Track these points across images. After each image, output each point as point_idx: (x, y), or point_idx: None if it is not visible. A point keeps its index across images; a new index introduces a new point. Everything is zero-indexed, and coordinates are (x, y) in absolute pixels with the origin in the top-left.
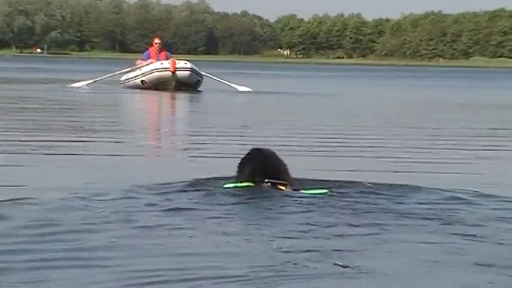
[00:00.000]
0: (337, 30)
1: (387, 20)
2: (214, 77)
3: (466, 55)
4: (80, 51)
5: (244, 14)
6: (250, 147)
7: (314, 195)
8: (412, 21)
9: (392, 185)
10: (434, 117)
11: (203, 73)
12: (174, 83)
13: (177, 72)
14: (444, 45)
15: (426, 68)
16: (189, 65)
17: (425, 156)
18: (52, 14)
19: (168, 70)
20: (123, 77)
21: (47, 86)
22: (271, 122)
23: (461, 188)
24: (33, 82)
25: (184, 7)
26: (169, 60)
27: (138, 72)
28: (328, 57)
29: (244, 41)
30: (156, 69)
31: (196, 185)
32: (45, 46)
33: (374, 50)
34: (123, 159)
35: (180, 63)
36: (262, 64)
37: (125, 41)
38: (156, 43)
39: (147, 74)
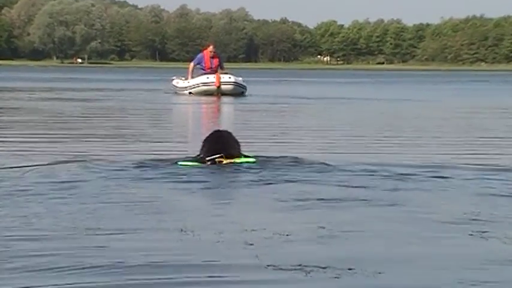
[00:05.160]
0: (378, 36)
1: (427, 25)
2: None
3: (508, 59)
4: (120, 60)
5: (284, 21)
6: None
7: (242, 163)
8: (452, 25)
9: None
10: None
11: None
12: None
13: (222, 87)
14: (486, 49)
15: (470, 72)
16: (232, 79)
17: None
18: (92, 24)
19: (213, 85)
20: (177, 84)
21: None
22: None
23: None
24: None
25: (223, 15)
26: (214, 75)
27: (186, 84)
28: (369, 63)
29: (284, 48)
30: (203, 83)
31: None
32: (86, 56)
33: (415, 55)
34: None
35: (224, 78)
36: (305, 71)
37: (164, 50)
38: (210, 51)
39: (194, 87)
